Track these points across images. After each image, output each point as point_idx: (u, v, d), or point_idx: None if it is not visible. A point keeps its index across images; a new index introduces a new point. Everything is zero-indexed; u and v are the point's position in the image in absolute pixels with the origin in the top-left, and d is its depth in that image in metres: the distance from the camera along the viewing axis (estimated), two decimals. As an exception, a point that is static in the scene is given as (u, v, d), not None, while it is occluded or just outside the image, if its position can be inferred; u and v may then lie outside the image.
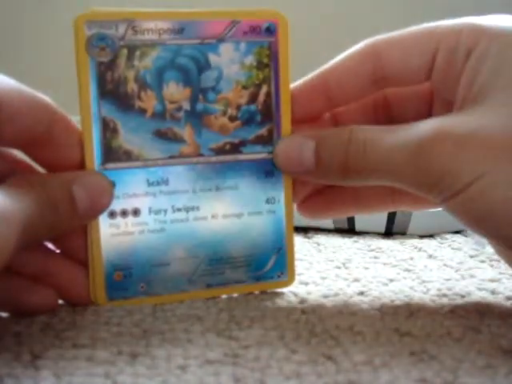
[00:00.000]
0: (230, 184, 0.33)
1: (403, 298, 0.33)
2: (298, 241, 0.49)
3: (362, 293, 0.34)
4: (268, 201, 0.33)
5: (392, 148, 0.29)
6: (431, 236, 0.51)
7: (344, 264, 0.41)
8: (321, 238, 0.50)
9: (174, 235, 0.32)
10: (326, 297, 0.34)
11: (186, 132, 0.32)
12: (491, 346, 0.27)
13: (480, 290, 0.35)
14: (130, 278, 0.31)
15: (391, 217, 0.51)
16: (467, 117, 0.29)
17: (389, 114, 0.34)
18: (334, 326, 0.29)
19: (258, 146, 0.33)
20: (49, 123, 0.29)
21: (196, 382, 0.23)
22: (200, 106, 0.32)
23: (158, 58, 0.31)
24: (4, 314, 0.30)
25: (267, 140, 0.33)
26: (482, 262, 0.42)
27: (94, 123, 0.30)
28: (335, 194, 0.35)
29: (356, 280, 0.37)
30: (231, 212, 0.33)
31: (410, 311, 0.31)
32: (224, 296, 0.33)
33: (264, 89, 0.32)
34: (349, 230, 0.52)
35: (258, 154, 0.33)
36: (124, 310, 0.30)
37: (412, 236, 0.51)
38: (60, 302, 0.31)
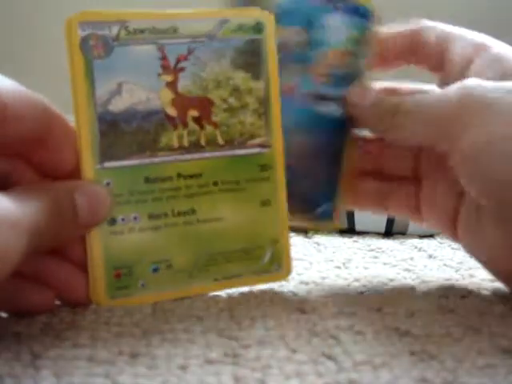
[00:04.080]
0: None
1: (403, 298, 0.33)
2: (298, 241, 0.49)
3: (361, 293, 0.34)
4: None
5: (422, 102, 0.33)
6: (431, 236, 0.51)
7: (344, 264, 0.41)
8: (321, 238, 0.50)
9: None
10: (325, 297, 0.33)
11: None
12: (491, 345, 0.27)
13: (480, 289, 0.35)
14: None
15: (391, 217, 0.51)
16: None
17: None
18: (334, 326, 0.29)
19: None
20: (48, 125, 0.29)
21: (196, 381, 0.23)
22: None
23: None
24: (4, 314, 0.30)
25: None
26: (482, 261, 0.42)
27: None
28: None
29: (356, 280, 0.37)
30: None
31: (410, 311, 0.31)
32: (224, 295, 0.33)
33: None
34: (349, 229, 0.52)
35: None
36: (124, 310, 0.30)
37: (412, 236, 0.51)
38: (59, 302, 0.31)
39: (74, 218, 0.29)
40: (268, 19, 0.33)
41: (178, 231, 0.32)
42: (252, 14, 0.33)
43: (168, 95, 0.32)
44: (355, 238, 0.50)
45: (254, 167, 0.34)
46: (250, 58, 0.33)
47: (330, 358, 0.25)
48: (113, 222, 0.31)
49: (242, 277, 0.34)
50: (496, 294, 0.34)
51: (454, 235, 0.35)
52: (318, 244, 0.48)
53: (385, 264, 0.42)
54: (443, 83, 0.35)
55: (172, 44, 0.32)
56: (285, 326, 0.29)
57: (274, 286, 0.35)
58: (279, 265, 0.34)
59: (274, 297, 0.33)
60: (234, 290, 0.34)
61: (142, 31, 0.31)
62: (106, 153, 0.31)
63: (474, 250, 0.35)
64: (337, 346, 0.27)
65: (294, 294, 0.34)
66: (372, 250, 0.46)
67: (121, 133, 0.31)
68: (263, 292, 0.34)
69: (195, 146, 0.33)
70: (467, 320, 0.30)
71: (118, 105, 0.31)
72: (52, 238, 0.29)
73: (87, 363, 0.25)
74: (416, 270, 0.40)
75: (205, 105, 0.33)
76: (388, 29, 0.37)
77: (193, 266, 0.33)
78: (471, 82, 0.32)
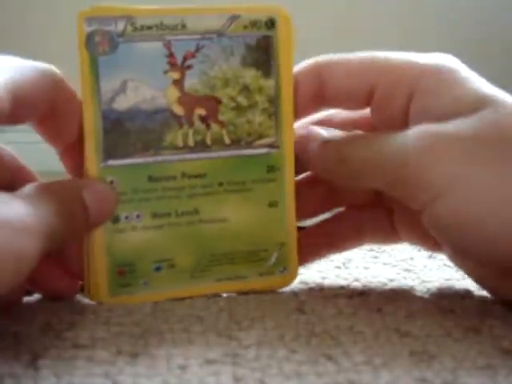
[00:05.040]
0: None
1: (403, 298, 0.33)
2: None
3: (362, 293, 0.34)
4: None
5: (382, 147, 0.31)
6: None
7: (344, 264, 0.41)
8: (321, 238, 0.50)
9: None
10: (325, 297, 0.33)
11: None
12: (491, 346, 0.27)
13: (480, 289, 0.35)
14: None
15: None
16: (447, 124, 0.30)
17: None
18: (334, 326, 0.29)
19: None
20: (54, 98, 0.30)
21: (196, 381, 0.23)
22: None
23: None
24: (3, 315, 0.30)
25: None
26: (482, 261, 0.42)
27: None
28: (309, 238, 0.36)
29: (356, 280, 0.37)
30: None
31: (410, 311, 0.31)
32: (224, 295, 0.33)
33: None
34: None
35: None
36: (123, 310, 0.30)
37: (412, 236, 0.51)
38: (60, 302, 0.32)
39: (85, 217, 0.29)
40: (280, 15, 0.33)
41: (181, 231, 0.32)
42: (264, 10, 0.32)
43: (174, 93, 0.32)
44: (355, 237, 0.50)
45: (262, 168, 0.33)
46: (261, 56, 0.32)
47: (329, 358, 0.25)
48: (116, 219, 0.31)
49: (245, 279, 0.33)
50: (496, 294, 0.34)
51: (440, 252, 0.35)
52: (318, 244, 0.48)
53: (385, 264, 0.42)
54: (381, 121, 0.33)
55: (179, 40, 0.31)
56: (284, 326, 0.29)
57: (274, 285, 0.35)
58: (285, 268, 0.34)
59: (274, 297, 0.33)
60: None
61: (149, 27, 0.31)
62: (110, 151, 0.31)
63: (461, 267, 0.34)
64: (336, 347, 0.27)
65: (294, 294, 0.34)
66: (372, 250, 0.46)
67: (125, 131, 0.31)
68: (263, 292, 0.34)
69: (201, 146, 0.32)
70: (467, 320, 0.30)
71: (122, 103, 0.31)
72: (64, 239, 0.29)
73: (87, 363, 0.25)
74: (416, 270, 0.40)
75: (212, 104, 0.32)
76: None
77: (195, 266, 0.33)
78: (429, 129, 0.30)
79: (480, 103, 0.29)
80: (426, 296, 0.34)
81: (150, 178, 0.32)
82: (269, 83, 0.33)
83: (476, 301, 0.33)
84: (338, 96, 0.33)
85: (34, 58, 0.30)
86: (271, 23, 0.32)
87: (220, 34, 0.32)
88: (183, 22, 0.31)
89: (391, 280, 0.37)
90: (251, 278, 0.34)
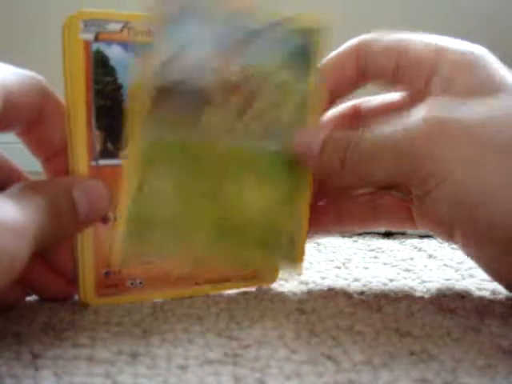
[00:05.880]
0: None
1: (403, 298, 0.33)
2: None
3: (362, 293, 0.34)
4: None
5: (384, 137, 0.31)
6: (431, 236, 0.51)
7: (344, 264, 0.41)
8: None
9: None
10: (325, 297, 0.34)
11: None
12: (491, 346, 0.27)
13: (480, 289, 0.35)
14: None
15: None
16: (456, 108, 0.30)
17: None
18: (334, 326, 0.29)
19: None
20: (42, 106, 0.30)
21: (196, 381, 0.23)
22: None
23: None
24: (3, 315, 0.30)
25: None
26: (482, 262, 0.42)
27: None
28: (319, 213, 0.36)
29: (356, 280, 0.37)
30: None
31: (410, 311, 0.31)
32: (224, 295, 0.33)
33: None
34: (349, 229, 0.52)
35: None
36: (124, 310, 0.30)
37: (412, 236, 0.51)
38: (60, 302, 0.32)
39: (74, 217, 0.29)
40: (322, 26, 0.33)
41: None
42: (306, 20, 0.33)
43: (216, 78, 0.32)
44: (355, 237, 0.50)
45: (284, 163, 0.33)
46: (299, 61, 0.33)
47: (329, 358, 0.25)
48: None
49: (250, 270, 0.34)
50: (496, 293, 0.34)
51: (453, 241, 0.34)
52: (318, 244, 0.48)
53: (385, 264, 0.42)
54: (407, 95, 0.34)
55: (226, 33, 0.32)
56: (284, 326, 0.29)
57: (274, 285, 0.35)
58: (292, 260, 0.34)
59: (274, 297, 0.33)
60: (235, 291, 0.34)
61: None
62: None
63: (473, 258, 0.34)
64: (336, 347, 0.27)
65: (294, 294, 0.34)
66: (372, 250, 0.46)
67: (169, 103, 0.31)
68: (263, 292, 0.34)
69: (232, 132, 0.32)
70: (467, 320, 0.30)
71: (171, 73, 0.30)
72: (52, 238, 0.29)
73: (87, 363, 0.25)
74: (416, 270, 0.40)
75: (247, 95, 0.32)
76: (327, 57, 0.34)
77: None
78: (437, 108, 0.30)
79: (496, 87, 0.30)
80: (426, 296, 0.34)
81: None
82: (302, 87, 0.33)
83: (476, 301, 0.33)
84: (372, 72, 0.34)
85: (33, 58, 0.30)
86: (315, 32, 0.33)
87: (266, 34, 0.32)
88: (234, 17, 0.32)
89: (391, 280, 0.37)
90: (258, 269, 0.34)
